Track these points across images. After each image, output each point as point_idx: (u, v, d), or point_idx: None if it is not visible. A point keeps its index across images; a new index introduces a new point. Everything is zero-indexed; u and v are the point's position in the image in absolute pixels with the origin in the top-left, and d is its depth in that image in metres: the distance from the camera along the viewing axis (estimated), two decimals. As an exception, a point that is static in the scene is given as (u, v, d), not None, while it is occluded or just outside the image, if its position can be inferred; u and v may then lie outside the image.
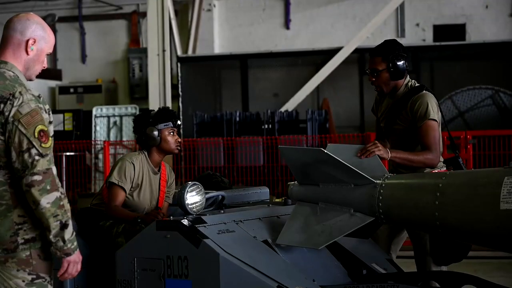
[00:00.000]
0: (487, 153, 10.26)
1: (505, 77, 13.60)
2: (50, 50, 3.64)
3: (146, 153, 5.32)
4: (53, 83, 16.56)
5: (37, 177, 3.35)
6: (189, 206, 4.71)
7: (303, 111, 13.03)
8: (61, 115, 14.77)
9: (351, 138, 11.23)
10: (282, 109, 13.46)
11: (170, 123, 5.32)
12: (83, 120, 14.77)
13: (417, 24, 15.06)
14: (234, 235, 4.56)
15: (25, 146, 3.36)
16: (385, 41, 5.35)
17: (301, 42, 15.53)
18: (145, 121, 5.34)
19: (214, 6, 15.86)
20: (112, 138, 14.33)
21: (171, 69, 14.05)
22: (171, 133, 5.32)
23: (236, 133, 12.82)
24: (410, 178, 4.75)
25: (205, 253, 4.35)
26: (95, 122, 14.43)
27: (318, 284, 4.50)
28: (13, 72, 3.49)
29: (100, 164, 13.54)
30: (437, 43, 14.43)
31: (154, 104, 12.89)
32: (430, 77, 14.36)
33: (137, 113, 14.20)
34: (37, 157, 3.36)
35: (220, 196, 5.18)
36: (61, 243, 3.40)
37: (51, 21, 16.90)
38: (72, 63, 16.90)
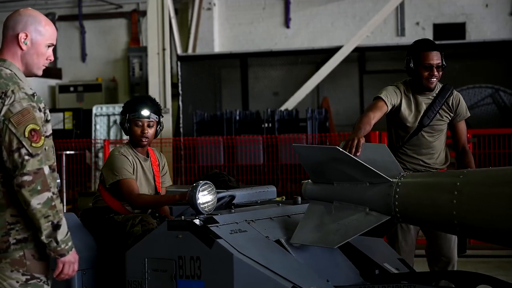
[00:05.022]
0: (487, 151, 10.26)
1: (505, 76, 13.60)
2: (49, 42, 3.56)
3: (130, 143, 5.26)
4: (53, 81, 16.56)
5: (27, 178, 3.30)
6: (201, 206, 4.61)
7: (303, 110, 13.03)
8: (61, 114, 14.77)
9: (351, 137, 11.20)
10: (282, 108, 13.46)
11: (136, 113, 5.19)
12: (83, 119, 14.77)
13: (417, 23, 15.05)
14: (246, 235, 4.50)
15: (15, 145, 3.32)
16: (430, 39, 5.48)
17: (301, 40, 15.53)
18: (123, 109, 5.29)
19: (214, 4, 15.85)
20: (112, 137, 14.32)
21: (171, 68, 14.05)
22: (138, 124, 5.19)
23: (236, 131, 12.82)
24: (427, 177, 4.71)
25: (219, 254, 4.28)
26: (95, 121, 14.43)
27: (332, 285, 4.44)
28: (10, 70, 3.46)
29: (100, 163, 13.54)
30: (437, 42, 14.41)
31: (154, 103, 12.87)
32: (430, 76, 14.35)
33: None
34: (27, 157, 3.31)
35: (230, 195, 5.10)
36: (54, 244, 3.36)
37: (51, 20, 16.89)
38: (72, 61, 16.89)
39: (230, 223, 4.52)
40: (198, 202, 4.59)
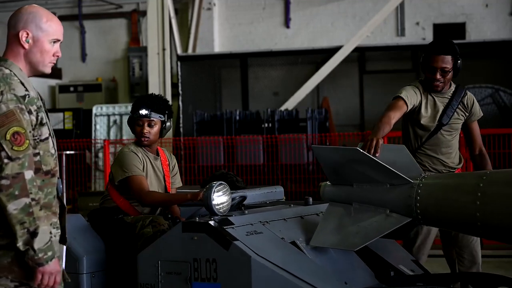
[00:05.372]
0: (487, 151, 10.24)
1: (505, 76, 13.60)
2: (53, 37, 3.49)
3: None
4: (53, 81, 16.56)
5: (4, 182, 3.19)
6: (216, 207, 4.52)
7: (303, 110, 13.03)
8: (61, 114, 14.77)
9: (351, 137, 11.23)
10: (282, 108, 13.46)
11: (137, 112, 5.18)
12: (83, 119, 14.76)
13: (417, 23, 15.05)
14: (262, 236, 4.41)
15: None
16: (450, 40, 5.50)
17: (301, 40, 15.52)
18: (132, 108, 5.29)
19: (214, 4, 15.85)
20: (112, 137, 14.32)
21: (171, 67, 14.05)
22: (139, 124, 5.19)
23: (236, 131, 12.82)
24: (449, 178, 4.65)
25: (236, 256, 4.20)
26: (95, 121, 14.43)
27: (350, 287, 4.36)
28: (9, 70, 3.38)
29: (100, 163, 13.53)
30: (437, 42, 14.40)
31: (154, 102, 12.87)
32: (430, 76, 14.35)
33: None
34: (6, 160, 3.19)
35: (242, 196, 5.01)
36: (31, 252, 3.22)
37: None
38: (72, 61, 16.89)
39: (245, 225, 4.43)
40: (213, 203, 4.50)
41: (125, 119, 14.40)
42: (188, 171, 11.68)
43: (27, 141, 3.26)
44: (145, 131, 5.16)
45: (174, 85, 14.28)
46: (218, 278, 4.26)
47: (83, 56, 16.87)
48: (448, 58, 5.36)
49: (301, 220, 4.78)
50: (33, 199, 3.21)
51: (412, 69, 14.20)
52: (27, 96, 3.34)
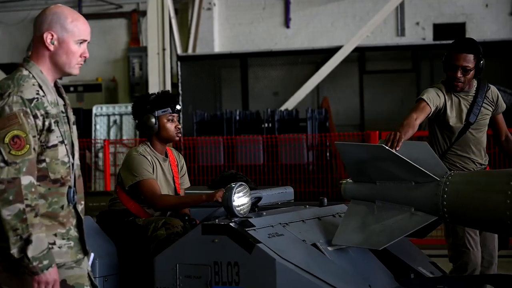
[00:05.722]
0: (487, 151, 10.25)
1: (505, 75, 13.61)
2: (80, 38, 3.34)
3: (148, 143, 5.01)
4: (53, 81, 16.55)
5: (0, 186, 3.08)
6: (237, 208, 4.35)
7: (303, 110, 13.03)
8: (61, 114, 14.77)
9: (351, 137, 11.23)
10: (282, 108, 13.46)
11: (169, 108, 4.99)
12: (83, 119, 14.76)
13: (417, 23, 15.05)
14: (284, 238, 4.29)
15: None
16: (472, 39, 5.47)
17: (301, 40, 15.53)
18: (142, 108, 5.01)
19: (214, 4, 15.85)
20: (112, 137, 14.33)
21: (171, 67, 14.05)
22: (170, 120, 5.01)
23: (236, 131, 12.82)
24: (477, 176, 4.59)
25: (260, 259, 4.07)
26: (95, 121, 14.43)
27: None
28: (28, 72, 3.27)
29: (100, 163, 13.53)
30: (437, 42, 14.42)
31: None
32: (430, 76, 14.36)
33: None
34: (1, 164, 3.09)
35: (257, 197, 4.83)
36: (26, 260, 3.09)
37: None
38: (72, 61, 16.88)
39: (266, 227, 4.30)
40: (234, 204, 4.35)
41: (125, 119, 14.40)
42: (188, 171, 11.67)
43: (28, 146, 3.14)
44: (180, 126, 5.04)
45: (174, 85, 14.28)
46: (241, 282, 4.14)
47: (83, 56, 16.86)
48: (470, 57, 5.31)
49: (318, 222, 4.65)
50: (28, 205, 3.10)
51: (412, 69, 14.20)
52: (35, 100, 3.20)
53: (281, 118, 12.91)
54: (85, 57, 3.42)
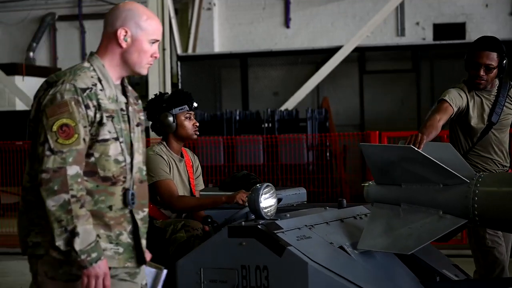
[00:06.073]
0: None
1: (505, 75, 13.60)
2: (153, 37, 3.18)
3: (164, 142, 4.87)
4: (53, 81, 16.55)
5: (45, 175, 2.96)
6: (264, 210, 4.19)
7: (303, 110, 13.04)
8: (61, 114, 14.77)
9: (351, 137, 11.23)
10: (282, 108, 13.46)
11: (186, 106, 4.86)
12: (83, 119, 14.75)
13: (417, 23, 15.05)
14: (312, 241, 4.14)
15: (42, 138, 3.01)
16: (495, 37, 5.37)
17: (301, 40, 15.53)
18: (158, 106, 4.86)
19: (214, 4, 15.85)
20: (112, 136, 14.32)
21: (171, 67, 14.05)
22: (188, 118, 4.86)
23: (236, 131, 12.82)
24: (509, 177, 4.43)
25: (290, 262, 3.93)
26: (95, 121, 14.42)
27: None
28: (90, 64, 3.15)
29: (100, 163, 13.53)
30: (437, 42, 14.43)
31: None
32: (430, 76, 14.37)
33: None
34: (48, 153, 2.97)
35: (278, 198, 4.61)
36: (74, 254, 2.95)
37: (51, 20, 16.90)
38: (72, 61, 16.87)
39: (293, 229, 4.15)
40: (261, 206, 4.19)
41: (125, 119, 14.39)
42: (188, 171, 11.68)
43: (76, 135, 3.00)
44: (197, 124, 4.89)
45: (174, 85, 14.28)
46: (270, 286, 3.99)
47: (83, 56, 16.87)
48: (494, 55, 5.23)
49: (341, 224, 4.51)
50: (73, 196, 2.96)
51: (412, 69, 14.20)
52: (88, 90, 3.06)
53: (281, 118, 12.91)
54: (155, 57, 3.24)
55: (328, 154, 11.65)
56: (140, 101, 3.36)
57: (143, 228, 3.21)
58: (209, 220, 4.42)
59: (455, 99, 5.16)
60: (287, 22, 15.70)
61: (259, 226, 4.05)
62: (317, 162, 11.42)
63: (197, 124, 4.89)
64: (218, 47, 15.78)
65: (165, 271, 3.29)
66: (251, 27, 15.87)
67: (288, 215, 4.42)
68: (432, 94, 14.19)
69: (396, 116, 14.45)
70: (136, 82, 16.17)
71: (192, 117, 4.90)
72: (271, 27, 15.78)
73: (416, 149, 4.30)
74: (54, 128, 3.00)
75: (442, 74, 14.13)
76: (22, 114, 14.91)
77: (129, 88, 3.30)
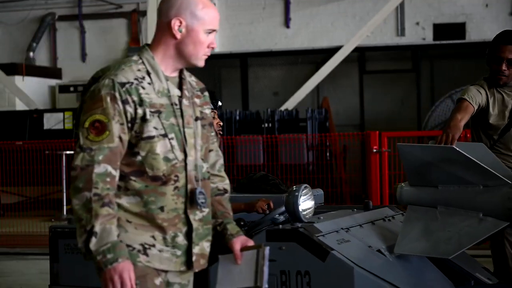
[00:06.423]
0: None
1: (505, 75, 13.61)
2: (210, 27, 2.98)
3: None
4: (53, 81, 16.55)
5: (73, 173, 2.81)
6: (303, 213, 4.03)
7: (303, 109, 13.04)
8: (61, 114, 14.76)
9: (351, 137, 11.23)
10: (282, 108, 13.46)
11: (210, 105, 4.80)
12: (83, 119, 14.75)
13: (417, 23, 15.05)
14: (352, 245, 3.99)
15: (77, 135, 2.89)
16: None
17: (301, 40, 15.53)
18: None
19: (214, 4, 15.85)
20: (112, 136, 14.31)
21: (171, 67, 14.04)
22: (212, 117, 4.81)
23: (236, 131, 12.82)
24: None
25: (335, 267, 3.76)
26: (95, 121, 14.41)
27: None
28: (138, 57, 2.97)
29: (100, 163, 13.53)
30: (437, 42, 14.42)
31: (154, 102, 12.89)
32: (430, 76, 14.37)
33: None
34: (78, 150, 2.82)
35: None
36: (90, 254, 2.77)
37: (51, 20, 16.89)
38: (72, 61, 16.89)
39: (331, 232, 3.98)
40: (300, 208, 4.01)
41: (125, 119, 14.40)
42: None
43: (108, 132, 2.82)
44: (221, 123, 4.76)
45: (174, 85, 14.28)
46: None
47: (83, 56, 16.87)
48: None
49: (373, 226, 4.36)
50: (96, 194, 2.77)
51: (412, 69, 14.20)
52: (128, 84, 2.87)
53: (281, 118, 12.91)
54: (212, 47, 3.06)
55: (328, 154, 11.65)
56: (206, 93, 3.20)
57: (201, 229, 2.98)
58: (242, 223, 4.24)
59: (475, 96, 5.06)
60: (287, 22, 15.70)
61: (300, 229, 3.87)
62: (317, 162, 11.42)
63: (221, 123, 4.77)
64: (218, 47, 15.79)
65: (267, 248, 3.00)
66: (251, 27, 15.87)
67: (322, 217, 4.26)
68: (432, 94, 14.19)
69: (396, 116, 14.45)
70: (136, 82, 16.17)
71: (216, 116, 4.79)
72: (271, 27, 15.79)
73: (458, 149, 4.14)
74: (86, 124, 2.86)
75: (442, 74, 14.13)
76: (22, 114, 14.91)
77: (191, 80, 3.13)
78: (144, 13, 15.59)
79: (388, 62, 14.47)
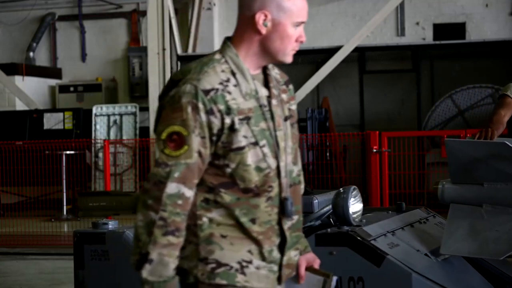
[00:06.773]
0: None
1: (505, 75, 13.60)
2: (298, 19, 2.69)
3: None
4: (53, 81, 16.55)
5: (145, 185, 2.57)
6: (353, 216, 3.87)
7: (303, 109, 13.03)
8: (61, 114, 14.78)
9: (351, 137, 11.23)
10: (282, 108, 13.45)
11: None
12: (83, 119, 14.77)
13: (417, 23, 15.05)
14: (402, 249, 3.84)
15: (155, 146, 2.62)
16: None
17: (301, 40, 15.52)
18: None
19: (214, 4, 15.84)
20: (112, 136, 14.32)
21: (171, 67, 14.05)
22: None
23: (236, 131, 12.80)
24: None
25: (391, 273, 3.60)
26: (95, 121, 14.43)
27: None
28: (221, 55, 2.71)
29: (100, 163, 13.53)
30: (437, 42, 14.42)
31: (154, 103, 12.90)
32: (430, 76, 14.36)
33: (137, 112, 14.22)
34: (153, 163, 2.57)
35: None
36: (141, 276, 2.57)
37: (51, 20, 16.89)
38: (72, 61, 16.89)
39: (380, 236, 3.83)
40: (351, 211, 3.84)
41: (125, 119, 14.39)
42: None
43: (186, 147, 2.54)
44: None
45: (174, 85, 14.28)
46: None
47: (83, 56, 16.87)
48: None
49: (412, 229, 4.21)
50: (161, 218, 2.53)
51: (412, 69, 14.20)
52: (213, 91, 2.58)
53: (281, 118, 12.89)
54: (301, 41, 2.76)
55: (328, 154, 11.65)
56: (291, 86, 2.93)
57: (290, 238, 2.74)
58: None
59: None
60: (287, 22, 15.71)
61: (351, 233, 3.70)
62: (317, 162, 11.41)
63: None
64: (218, 47, 15.76)
65: (335, 278, 2.85)
66: (251, 27, 15.88)
67: (365, 220, 4.06)
68: (432, 94, 14.19)
69: (396, 116, 14.44)
70: (136, 83, 16.17)
71: None
72: (271, 27, 15.79)
73: (510, 145, 4.00)
74: (163, 135, 2.56)
75: (442, 74, 14.12)
76: (22, 114, 14.92)
77: (275, 72, 2.86)
78: (144, 13, 15.59)
79: (388, 62, 14.47)
